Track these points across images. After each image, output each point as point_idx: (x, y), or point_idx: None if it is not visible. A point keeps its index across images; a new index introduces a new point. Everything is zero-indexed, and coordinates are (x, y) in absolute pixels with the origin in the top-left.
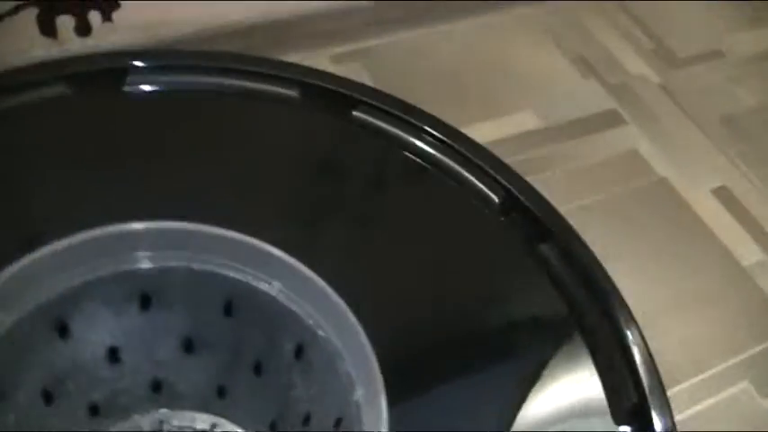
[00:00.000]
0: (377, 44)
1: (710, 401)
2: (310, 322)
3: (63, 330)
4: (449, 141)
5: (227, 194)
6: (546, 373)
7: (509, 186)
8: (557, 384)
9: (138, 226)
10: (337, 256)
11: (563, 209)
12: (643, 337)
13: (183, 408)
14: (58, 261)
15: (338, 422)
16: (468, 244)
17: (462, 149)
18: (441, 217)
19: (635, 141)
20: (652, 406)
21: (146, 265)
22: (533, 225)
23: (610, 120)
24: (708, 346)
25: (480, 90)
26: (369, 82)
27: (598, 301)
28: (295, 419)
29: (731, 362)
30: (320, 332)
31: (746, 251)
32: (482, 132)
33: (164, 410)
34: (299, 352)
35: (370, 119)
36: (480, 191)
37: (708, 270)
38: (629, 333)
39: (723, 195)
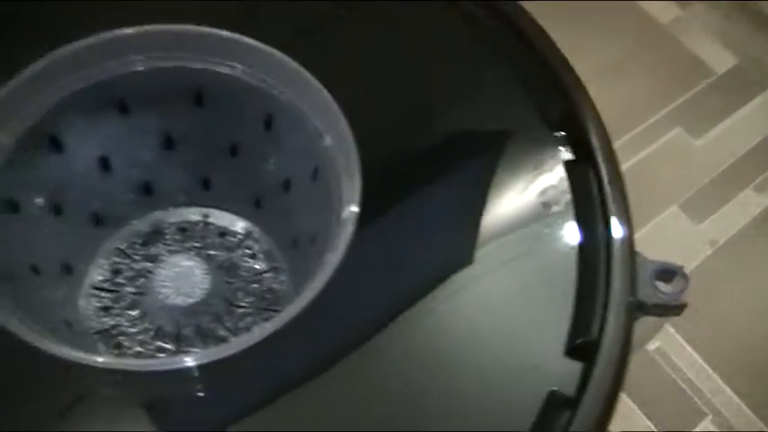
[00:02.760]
0: None
1: (650, 149)
2: (274, 92)
3: (57, 145)
4: None
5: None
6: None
7: None
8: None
9: (105, 35)
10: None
11: None
12: (566, 61)
13: (174, 206)
14: (39, 81)
15: (315, 172)
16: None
17: None
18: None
19: None
20: (580, 111)
21: (118, 71)
22: None
23: None
24: (641, 102)
25: None
26: None
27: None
28: (276, 189)
29: (663, 112)
30: (284, 98)
31: (663, 11)
32: None
33: (157, 212)
34: (268, 123)
35: None
36: None
37: (630, 34)
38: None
39: None
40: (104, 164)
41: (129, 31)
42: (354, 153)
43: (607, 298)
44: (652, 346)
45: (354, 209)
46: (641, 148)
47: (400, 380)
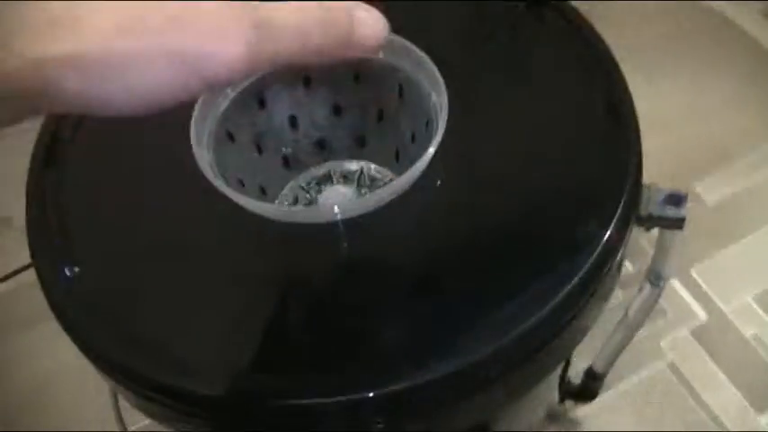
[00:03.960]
0: None
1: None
2: (405, 69)
3: (262, 102)
4: None
5: None
6: None
7: None
8: None
9: None
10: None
11: (624, 42)
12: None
13: (340, 158)
14: None
15: (427, 124)
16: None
17: None
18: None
19: None
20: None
21: None
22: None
23: None
24: (757, 130)
25: None
26: None
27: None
28: (407, 141)
29: None
30: (410, 74)
31: None
32: None
33: (329, 163)
34: (401, 92)
35: None
36: None
37: (753, 71)
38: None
39: None
40: (293, 122)
41: None
42: (446, 104)
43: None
44: (749, 332)
45: (432, 150)
46: (752, 173)
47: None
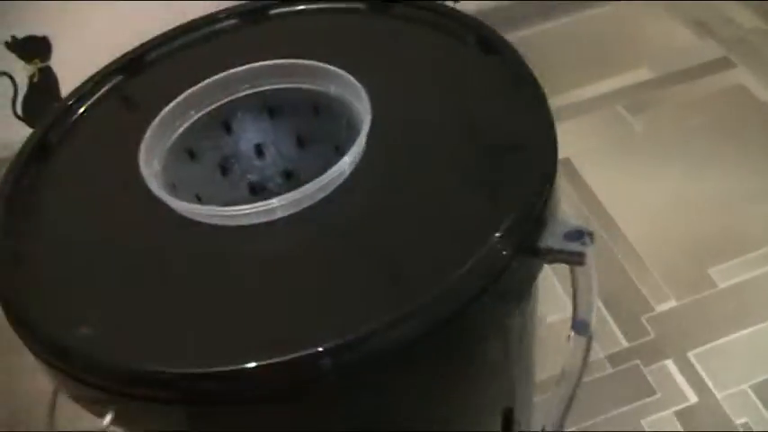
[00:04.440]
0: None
1: None
2: (351, 103)
3: (228, 128)
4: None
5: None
6: None
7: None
8: None
9: (258, 64)
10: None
11: (672, 127)
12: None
13: None
14: (218, 86)
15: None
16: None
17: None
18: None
19: (741, 78)
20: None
21: (266, 87)
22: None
23: (721, 64)
24: None
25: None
26: None
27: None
28: None
29: None
30: (354, 107)
31: None
32: (608, 85)
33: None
34: (348, 124)
35: None
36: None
37: None
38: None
39: None
40: (259, 150)
41: (277, 62)
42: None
43: None
44: (739, 420)
45: (347, 159)
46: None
47: None
